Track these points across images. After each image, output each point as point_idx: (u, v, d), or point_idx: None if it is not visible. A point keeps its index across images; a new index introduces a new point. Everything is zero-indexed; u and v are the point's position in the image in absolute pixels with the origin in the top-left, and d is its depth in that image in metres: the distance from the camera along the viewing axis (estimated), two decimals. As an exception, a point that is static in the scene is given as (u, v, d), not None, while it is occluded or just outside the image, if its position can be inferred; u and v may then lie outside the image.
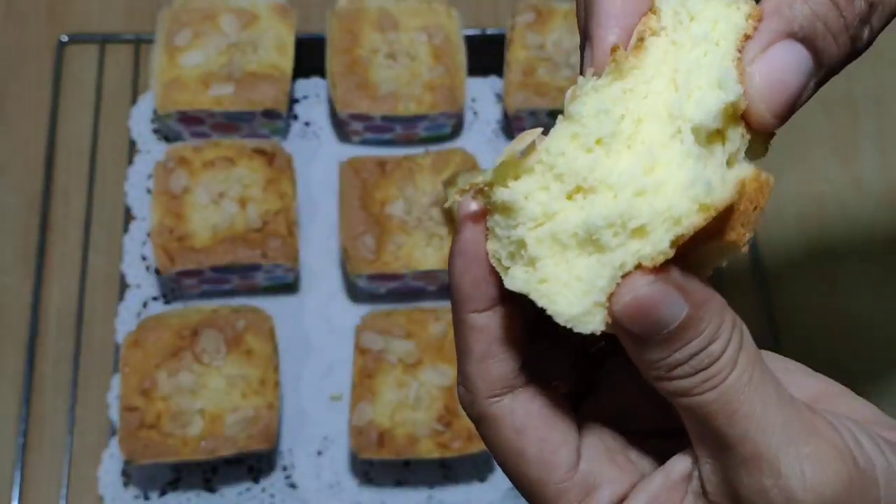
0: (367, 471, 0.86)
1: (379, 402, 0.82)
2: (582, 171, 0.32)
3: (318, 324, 0.91)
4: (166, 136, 0.97)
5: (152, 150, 0.95)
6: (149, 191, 0.93)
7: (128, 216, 0.93)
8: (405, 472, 0.86)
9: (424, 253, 0.86)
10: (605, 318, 0.31)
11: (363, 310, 0.89)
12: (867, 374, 0.92)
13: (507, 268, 0.33)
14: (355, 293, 0.92)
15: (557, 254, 0.32)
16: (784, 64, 0.32)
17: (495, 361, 0.34)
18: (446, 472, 0.86)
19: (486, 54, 0.99)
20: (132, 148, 0.96)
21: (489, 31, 1.02)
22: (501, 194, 0.32)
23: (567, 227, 0.32)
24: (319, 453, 0.87)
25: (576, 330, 0.31)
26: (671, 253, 0.31)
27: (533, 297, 0.32)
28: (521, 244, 0.32)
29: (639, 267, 0.31)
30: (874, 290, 0.95)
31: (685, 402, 0.32)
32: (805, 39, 0.32)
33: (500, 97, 1.00)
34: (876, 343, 0.93)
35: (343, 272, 0.92)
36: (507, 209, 0.32)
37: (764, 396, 0.31)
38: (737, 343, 0.32)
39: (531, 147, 0.32)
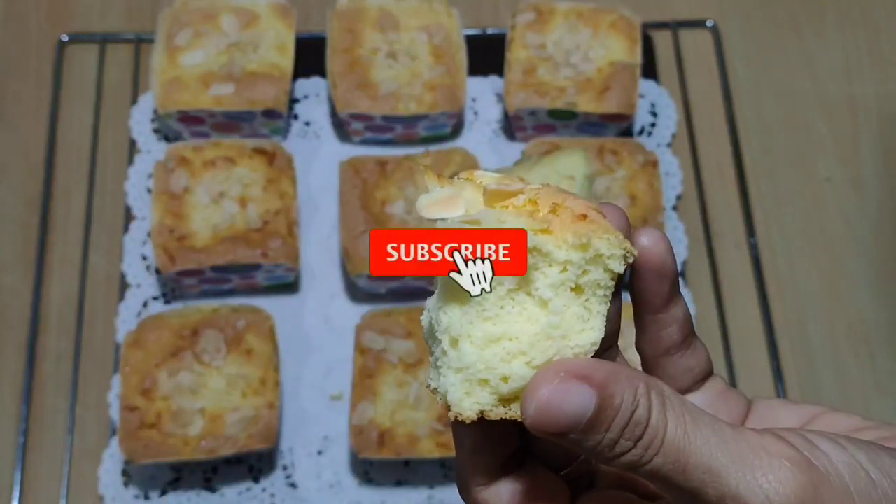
0: (367, 470, 0.86)
1: (379, 401, 0.82)
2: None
3: (318, 324, 0.91)
4: (166, 135, 0.97)
5: (152, 150, 0.95)
6: (149, 190, 0.93)
7: (128, 216, 0.93)
8: (405, 471, 0.86)
9: (425, 253, 0.86)
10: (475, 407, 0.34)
11: (363, 309, 0.89)
12: (867, 374, 0.92)
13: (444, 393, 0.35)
14: (355, 293, 0.92)
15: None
16: None
17: (484, 455, 0.36)
18: (446, 471, 0.86)
19: (487, 54, 0.99)
20: (132, 147, 0.96)
21: (489, 31, 1.02)
22: None
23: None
24: (320, 453, 0.87)
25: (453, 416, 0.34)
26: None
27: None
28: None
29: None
30: (874, 290, 0.95)
31: (642, 472, 0.32)
32: None
33: (500, 97, 1.00)
34: (876, 343, 0.93)
35: (343, 272, 0.92)
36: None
37: (705, 439, 0.32)
38: (658, 401, 0.32)
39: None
